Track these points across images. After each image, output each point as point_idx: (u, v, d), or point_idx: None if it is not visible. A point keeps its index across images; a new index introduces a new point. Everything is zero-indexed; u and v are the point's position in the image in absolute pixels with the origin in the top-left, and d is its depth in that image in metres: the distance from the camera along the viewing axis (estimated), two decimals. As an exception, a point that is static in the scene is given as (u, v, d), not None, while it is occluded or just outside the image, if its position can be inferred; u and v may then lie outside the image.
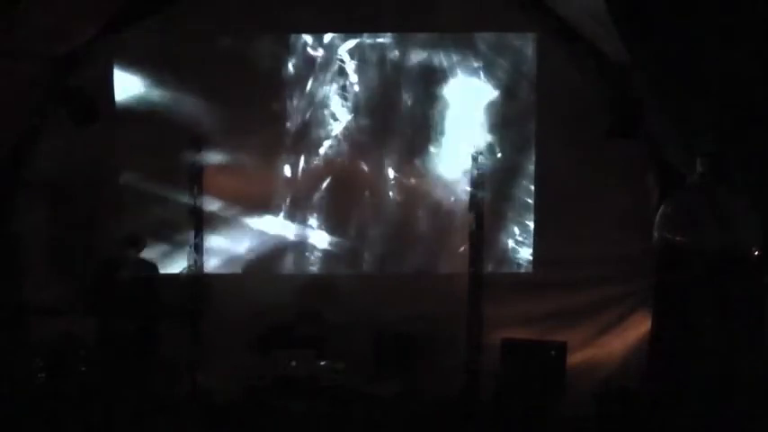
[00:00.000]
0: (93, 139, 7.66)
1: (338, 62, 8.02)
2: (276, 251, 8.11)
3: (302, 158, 8.07)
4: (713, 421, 6.51)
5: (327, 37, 7.99)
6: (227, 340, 7.65)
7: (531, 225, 8.12)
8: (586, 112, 7.68)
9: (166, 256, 7.84)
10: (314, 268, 8.17)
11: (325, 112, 8.05)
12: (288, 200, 8.09)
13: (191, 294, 7.92)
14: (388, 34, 7.97)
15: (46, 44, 6.61)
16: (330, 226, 8.13)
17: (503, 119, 8.05)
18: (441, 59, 7.98)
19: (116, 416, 7.00)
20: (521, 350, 7.56)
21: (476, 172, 7.99)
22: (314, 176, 8.09)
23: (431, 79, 8.00)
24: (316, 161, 8.08)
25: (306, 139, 8.06)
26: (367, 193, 8.11)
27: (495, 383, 7.60)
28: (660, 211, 6.35)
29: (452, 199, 8.10)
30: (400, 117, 8.04)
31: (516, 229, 8.16)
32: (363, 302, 7.83)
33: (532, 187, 8.09)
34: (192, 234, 7.92)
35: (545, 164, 8.02)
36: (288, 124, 8.04)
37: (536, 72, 7.99)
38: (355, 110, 8.05)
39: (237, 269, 8.02)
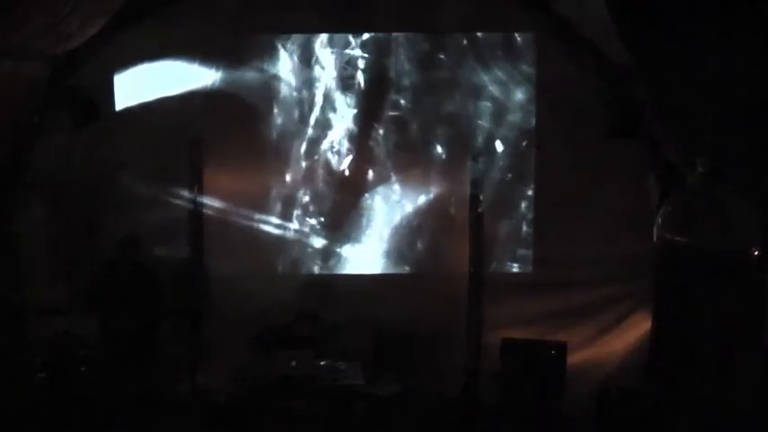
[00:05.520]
0: (93, 139, 7.67)
1: (339, 62, 8.02)
2: (276, 251, 8.11)
3: (302, 158, 8.07)
4: (713, 421, 6.51)
5: (328, 37, 7.99)
6: (227, 340, 7.65)
7: (531, 225, 8.12)
8: (586, 112, 7.68)
9: (166, 255, 7.83)
10: (314, 268, 8.17)
11: (326, 112, 8.05)
12: (288, 200, 8.09)
13: (190, 294, 7.92)
14: (389, 35, 7.97)
15: (46, 44, 6.61)
16: (330, 226, 8.13)
17: (503, 119, 8.05)
18: (440, 59, 7.98)
19: (116, 416, 7.00)
20: (521, 350, 7.56)
21: (476, 172, 8.00)
22: (314, 176, 8.09)
23: (431, 79, 7.99)
24: (315, 161, 8.08)
25: (305, 139, 8.06)
26: (367, 192, 8.11)
27: (495, 383, 7.60)
28: (660, 211, 6.35)
29: (452, 199, 8.10)
30: (400, 117, 8.04)
31: (516, 229, 8.16)
32: (363, 302, 7.83)
33: (532, 187, 8.10)
34: (191, 234, 7.92)
35: (545, 164, 8.02)
36: (288, 124, 8.04)
37: (536, 72, 8.00)
38: (355, 110, 8.05)
39: (237, 269, 8.01)
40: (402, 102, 8.03)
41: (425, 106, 8.02)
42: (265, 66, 7.96)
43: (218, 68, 7.89)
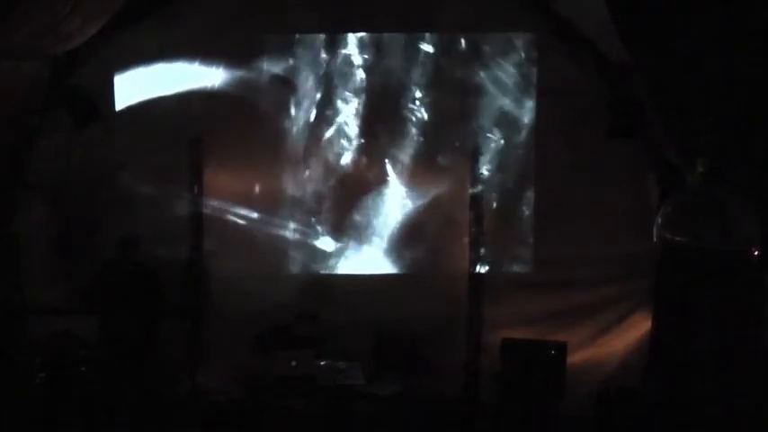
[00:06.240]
0: (93, 139, 7.67)
1: (338, 61, 8.02)
2: (276, 251, 8.11)
3: (302, 158, 8.07)
4: (713, 421, 6.51)
5: (328, 37, 7.99)
6: (227, 340, 7.65)
7: (531, 225, 8.12)
8: (586, 112, 7.68)
9: (166, 255, 7.82)
10: (314, 268, 8.17)
11: (326, 111, 8.05)
12: (288, 199, 8.09)
13: (190, 294, 7.92)
14: (389, 35, 7.97)
15: (46, 44, 6.60)
16: (331, 226, 8.13)
17: (503, 119, 8.05)
18: (440, 59, 7.97)
19: (116, 416, 7.00)
20: (521, 350, 7.56)
21: (476, 172, 8.00)
22: (314, 176, 8.09)
23: (431, 79, 7.99)
24: (316, 161, 8.09)
25: (306, 138, 8.06)
26: (367, 193, 8.11)
27: (495, 383, 7.60)
28: (660, 211, 6.35)
29: (452, 199, 8.09)
30: (400, 117, 8.04)
31: (516, 229, 8.16)
32: (363, 302, 7.83)
33: (532, 187, 8.10)
34: (191, 234, 7.92)
35: (545, 164, 8.02)
36: (288, 124, 8.04)
37: (536, 72, 8.00)
38: (355, 110, 8.05)
39: (237, 269, 8.00)
40: (402, 102, 8.03)
41: (425, 106, 8.02)
42: (265, 66, 7.95)
43: (218, 68, 7.89)
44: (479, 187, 8.02)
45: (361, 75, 8.03)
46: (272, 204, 8.07)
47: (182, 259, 7.89)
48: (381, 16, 7.84)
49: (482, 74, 8.01)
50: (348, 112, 8.06)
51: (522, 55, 8.01)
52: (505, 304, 7.95)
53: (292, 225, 8.11)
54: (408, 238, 8.13)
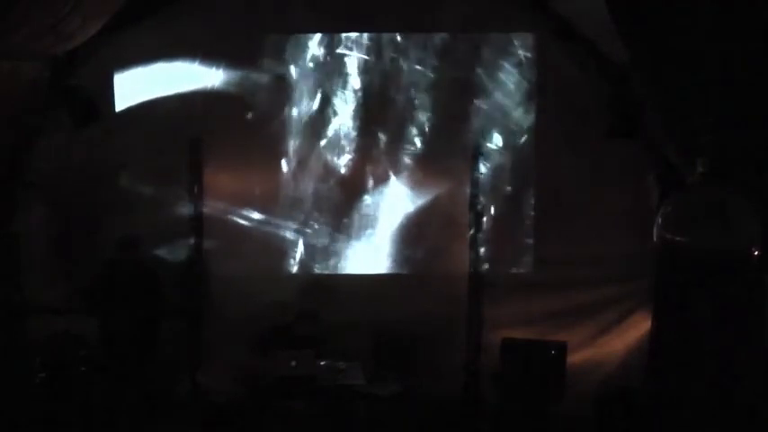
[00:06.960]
0: (93, 139, 7.67)
1: (338, 61, 8.02)
2: (276, 251, 8.11)
3: (303, 158, 8.07)
4: (713, 421, 6.51)
5: (326, 36, 7.99)
6: (227, 340, 7.65)
7: (531, 225, 8.12)
8: (586, 112, 7.68)
9: (166, 256, 7.83)
10: (314, 268, 8.17)
11: (326, 111, 8.05)
12: (288, 199, 8.09)
13: (190, 294, 7.92)
14: (389, 35, 7.97)
15: (46, 44, 6.61)
16: (331, 226, 8.13)
17: (503, 119, 8.05)
18: (440, 59, 7.97)
19: (116, 416, 7.00)
20: (521, 350, 7.56)
21: (476, 172, 8.00)
22: (313, 176, 8.09)
23: (431, 79, 7.99)
24: (316, 161, 8.08)
25: (306, 138, 8.06)
26: (367, 193, 8.11)
27: (495, 383, 7.60)
28: (660, 211, 6.34)
29: (452, 199, 8.09)
30: (400, 117, 8.04)
31: (516, 230, 8.16)
32: (363, 302, 7.83)
33: (532, 187, 8.10)
34: (191, 234, 7.92)
35: (545, 164, 8.02)
36: (288, 124, 8.04)
37: (536, 72, 8.00)
38: (355, 110, 8.05)
39: (237, 269, 8.01)
40: (402, 102, 8.03)
41: (425, 106, 8.02)
42: (265, 65, 7.95)
43: (218, 68, 7.89)
44: (479, 187, 8.02)
45: (360, 75, 8.02)
46: (272, 204, 8.07)
47: (182, 259, 7.89)
48: (381, 16, 7.84)
49: (482, 74, 8.00)
50: (348, 112, 8.06)
51: (522, 55, 8.01)
52: (505, 304, 7.95)
53: (292, 225, 8.11)
54: (408, 238, 8.13)
